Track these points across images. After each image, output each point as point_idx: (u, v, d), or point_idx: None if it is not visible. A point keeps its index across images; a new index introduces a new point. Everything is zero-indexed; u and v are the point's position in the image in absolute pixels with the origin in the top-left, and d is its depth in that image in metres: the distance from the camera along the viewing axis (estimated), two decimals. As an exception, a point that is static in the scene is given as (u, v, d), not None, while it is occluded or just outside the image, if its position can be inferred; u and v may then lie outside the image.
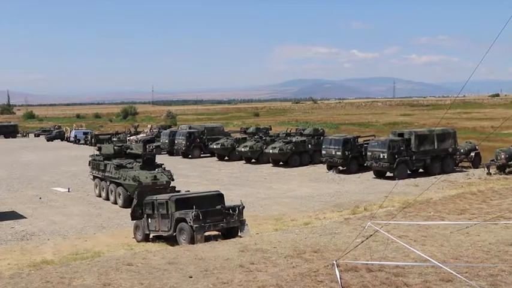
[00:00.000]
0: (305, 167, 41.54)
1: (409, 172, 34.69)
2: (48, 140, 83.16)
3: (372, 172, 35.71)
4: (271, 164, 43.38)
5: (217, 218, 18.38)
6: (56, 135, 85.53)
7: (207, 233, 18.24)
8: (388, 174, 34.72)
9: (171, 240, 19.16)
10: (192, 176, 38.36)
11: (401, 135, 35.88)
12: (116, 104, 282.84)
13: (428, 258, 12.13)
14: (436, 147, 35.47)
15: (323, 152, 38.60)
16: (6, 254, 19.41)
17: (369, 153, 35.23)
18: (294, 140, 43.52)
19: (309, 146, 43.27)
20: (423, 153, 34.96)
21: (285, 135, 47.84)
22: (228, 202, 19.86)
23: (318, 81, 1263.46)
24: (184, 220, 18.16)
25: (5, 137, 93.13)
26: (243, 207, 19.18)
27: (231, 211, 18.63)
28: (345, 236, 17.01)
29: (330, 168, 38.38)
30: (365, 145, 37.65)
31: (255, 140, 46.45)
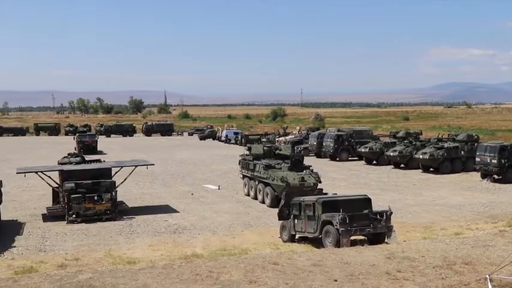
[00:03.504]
0: (457, 174, 39.87)
1: None
2: (200, 139, 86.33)
3: (531, 182, 33.55)
4: (420, 170, 42.09)
5: (364, 222, 18.13)
6: (208, 134, 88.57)
7: (353, 237, 18.07)
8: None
9: (317, 242, 19.17)
10: (339, 179, 38.21)
11: None
12: (265, 106, 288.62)
13: None
14: None
15: (477, 159, 36.85)
16: (159, 245, 20.49)
17: (528, 162, 33.14)
18: (445, 146, 41.95)
19: (462, 152, 41.48)
20: None
21: (436, 140, 46.21)
22: (375, 207, 19.55)
23: (471, 85, 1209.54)
24: (330, 223, 18.09)
25: (162, 135, 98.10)
26: (391, 212, 18.75)
27: (378, 216, 18.31)
28: (499, 249, 16.07)
29: (484, 176, 36.51)
30: (524, 153, 35.45)
31: (404, 145, 45.35)
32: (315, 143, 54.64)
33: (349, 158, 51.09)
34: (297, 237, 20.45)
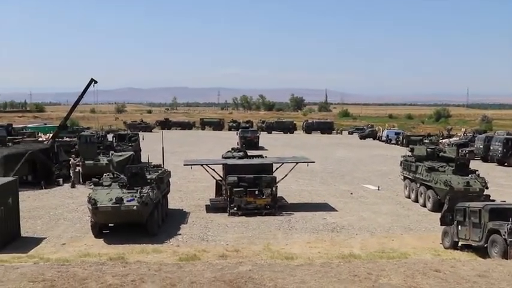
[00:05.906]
0: None
1: None
2: (360, 138, 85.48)
3: None
4: None
5: (536, 234, 16.94)
6: (368, 133, 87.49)
7: (521, 249, 16.94)
8: None
9: (481, 251, 18.22)
10: (508, 185, 35.97)
11: None
12: (428, 106, 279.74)
13: None
14: None
15: None
16: (317, 242, 20.55)
17: None
18: None
19: None
20: None
21: None
22: (549, 218, 18.14)
23: None
24: (498, 232, 17.10)
25: (321, 133, 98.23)
26: None
27: (552, 229, 17.01)
28: None
29: None
30: None
31: None
32: (481, 146, 52.02)
33: (519, 164, 48.03)
34: (459, 244, 19.58)
